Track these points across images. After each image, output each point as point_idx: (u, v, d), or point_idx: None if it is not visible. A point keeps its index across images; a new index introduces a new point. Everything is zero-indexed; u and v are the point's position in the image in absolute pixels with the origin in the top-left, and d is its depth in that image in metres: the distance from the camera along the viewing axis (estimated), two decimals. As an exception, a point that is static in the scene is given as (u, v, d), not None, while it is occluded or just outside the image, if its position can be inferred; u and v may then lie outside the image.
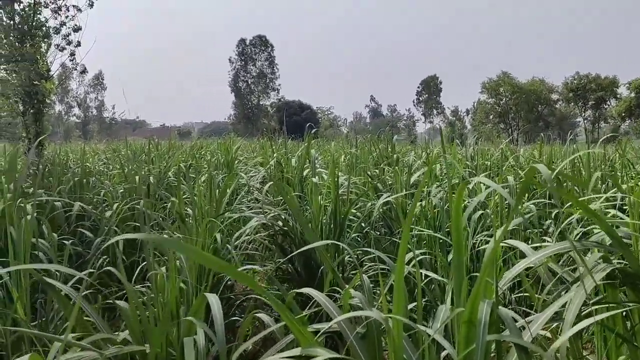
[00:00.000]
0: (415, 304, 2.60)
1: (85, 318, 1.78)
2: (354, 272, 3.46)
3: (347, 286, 1.80)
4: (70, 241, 3.24)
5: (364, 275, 1.58)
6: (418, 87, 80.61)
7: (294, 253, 2.76)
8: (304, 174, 4.48)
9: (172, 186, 5.08)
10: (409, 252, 2.70)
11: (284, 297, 1.77)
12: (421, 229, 3.00)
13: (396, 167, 3.70)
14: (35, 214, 3.72)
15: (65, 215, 4.24)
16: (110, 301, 2.42)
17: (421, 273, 2.57)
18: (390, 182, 4.18)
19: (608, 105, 57.39)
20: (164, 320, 1.64)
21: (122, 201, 4.29)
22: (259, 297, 3.38)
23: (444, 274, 2.81)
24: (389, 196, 3.29)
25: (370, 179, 3.86)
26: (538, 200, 3.53)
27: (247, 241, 3.49)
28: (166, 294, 1.77)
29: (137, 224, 3.45)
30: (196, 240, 2.57)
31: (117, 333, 1.97)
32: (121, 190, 4.69)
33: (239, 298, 3.16)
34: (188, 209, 3.56)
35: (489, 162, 5.53)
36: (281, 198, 4.33)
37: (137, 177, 4.25)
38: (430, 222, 3.04)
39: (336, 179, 2.98)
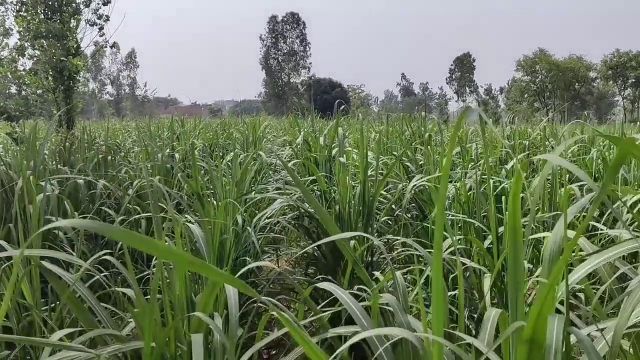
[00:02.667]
0: (454, 292, 2.43)
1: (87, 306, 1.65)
2: (383, 256, 3.30)
3: (375, 278, 1.63)
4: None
5: (397, 272, 1.37)
6: (451, 65, 79.14)
7: (319, 242, 2.60)
8: (333, 152, 4.31)
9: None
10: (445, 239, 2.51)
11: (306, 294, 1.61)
12: (454, 213, 2.80)
13: (428, 147, 3.49)
14: (56, 192, 3.66)
15: (90, 193, 4.16)
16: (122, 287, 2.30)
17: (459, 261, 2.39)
18: (421, 162, 3.98)
19: (649, 83, 55.33)
20: (172, 313, 1.50)
21: (144, 179, 4.19)
22: (284, 282, 3.25)
23: (480, 260, 2.62)
24: (420, 178, 3.09)
25: (400, 159, 3.66)
26: (582, 183, 3.29)
27: (273, 223, 3.34)
28: (177, 284, 1.63)
29: (159, 204, 3.33)
30: (213, 222, 2.43)
31: (127, 322, 1.84)
32: (145, 168, 4.60)
33: (263, 282, 3.03)
34: (215, 188, 3.43)
35: (527, 142, 5.26)
36: (309, 177, 4.16)
37: (159, 155, 4.14)
38: (464, 207, 2.84)
39: (365, 159, 2.79)
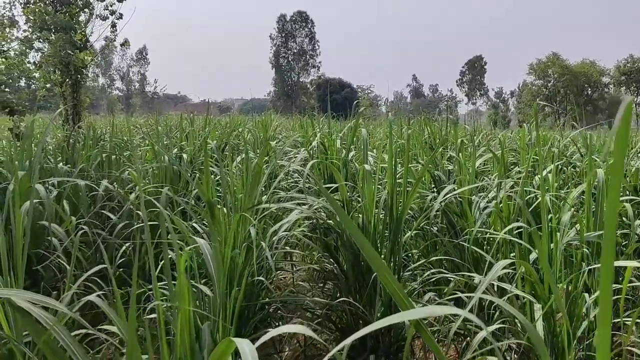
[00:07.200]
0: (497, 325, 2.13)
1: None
2: (407, 271, 2.99)
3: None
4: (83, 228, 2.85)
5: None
6: (462, 68, 78.71)
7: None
8: (349, 156, 4.00)
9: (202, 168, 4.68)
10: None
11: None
12: (494, 232, 2.50)
13: (460, 154, 3.19)
14: (53, 195, 3.38)
15: (91, 194, 3.89)
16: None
17: (501, 287, 2.08)
18: (449, 168, 3.67)
19: (664, 90, 54.62)
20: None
21: (150, 182, 3.92)
22: (297, 302, 2.96)
23: (520, 286, 2.31)
24: (453, 189, 2.79)
25: (427, 167, 3.36)
26: (631, 197, 2.98)
27: (287, 235, 3.04)
28: (178, 326, 1.33)
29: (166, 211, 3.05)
30: (224, 237, 2.14)
31: None
32: (151, 170, 4.31)
33: (276, 304, 2.73)
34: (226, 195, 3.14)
35: (556, 150, 4.94)
36: (323, 183, 3.87)
37: (165, 157, 3.86)
38: (506, 222, 2.53)
39: (394, 167, 2.49)
